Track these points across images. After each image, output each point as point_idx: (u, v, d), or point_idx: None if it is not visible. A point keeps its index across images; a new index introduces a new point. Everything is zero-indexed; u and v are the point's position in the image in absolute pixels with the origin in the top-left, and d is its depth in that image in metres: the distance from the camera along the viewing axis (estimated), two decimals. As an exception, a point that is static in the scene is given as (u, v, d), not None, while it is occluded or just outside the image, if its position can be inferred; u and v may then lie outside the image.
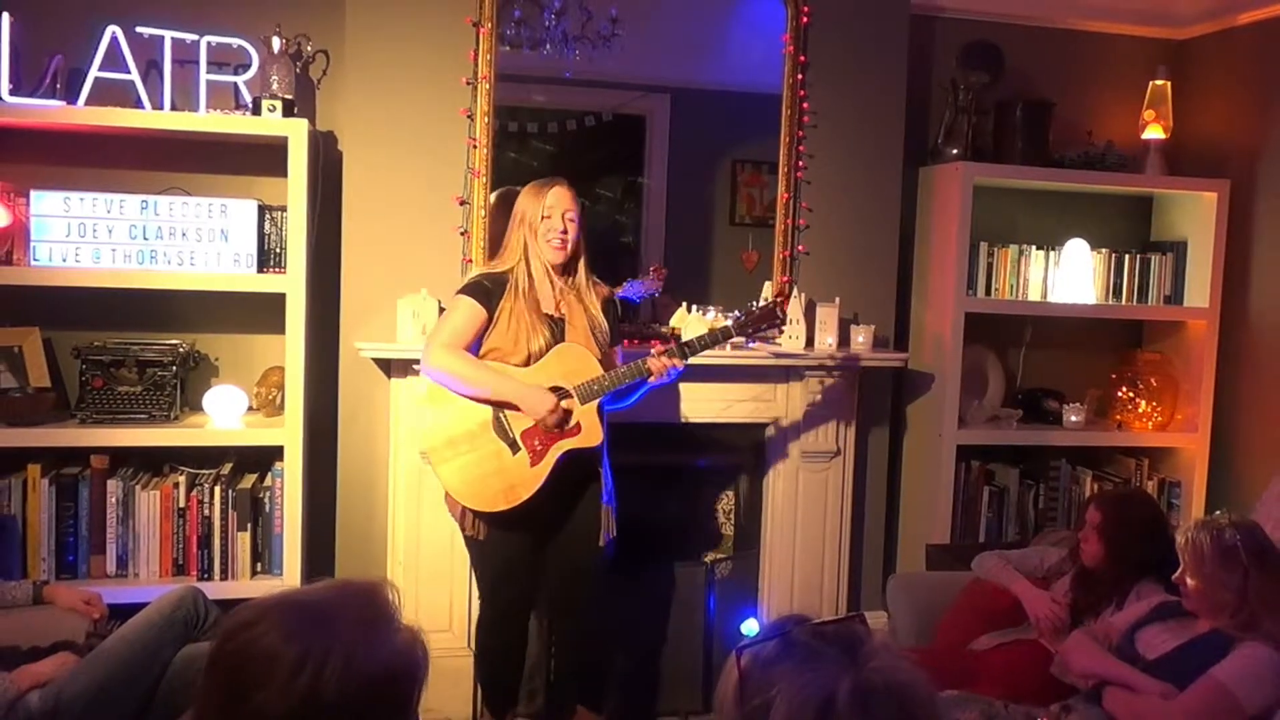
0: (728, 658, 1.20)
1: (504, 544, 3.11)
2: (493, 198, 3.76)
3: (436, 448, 3.05)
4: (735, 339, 3.31)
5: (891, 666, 1.14)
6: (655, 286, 3.75)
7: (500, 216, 3.66)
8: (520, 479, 3.01)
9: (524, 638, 3.32)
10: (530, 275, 3.07)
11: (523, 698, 3.53)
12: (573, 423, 3.03)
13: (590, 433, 3.04)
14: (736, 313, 3.42)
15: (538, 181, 3.13)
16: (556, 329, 3.07)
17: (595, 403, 3.04)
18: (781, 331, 3.58)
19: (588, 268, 3.15)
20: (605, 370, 3.07)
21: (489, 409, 3.03)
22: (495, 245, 3.46)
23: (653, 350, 3.11)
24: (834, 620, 1.21)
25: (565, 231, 3.04)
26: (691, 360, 3.14)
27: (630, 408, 3.21)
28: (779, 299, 3.29)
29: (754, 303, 3.36)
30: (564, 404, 3.00)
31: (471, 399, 3.02)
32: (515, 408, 3.00)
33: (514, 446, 3.02)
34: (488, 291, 3.05)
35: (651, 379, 3.08)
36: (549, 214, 3.05)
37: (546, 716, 3.60)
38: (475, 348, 3.05)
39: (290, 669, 1.19)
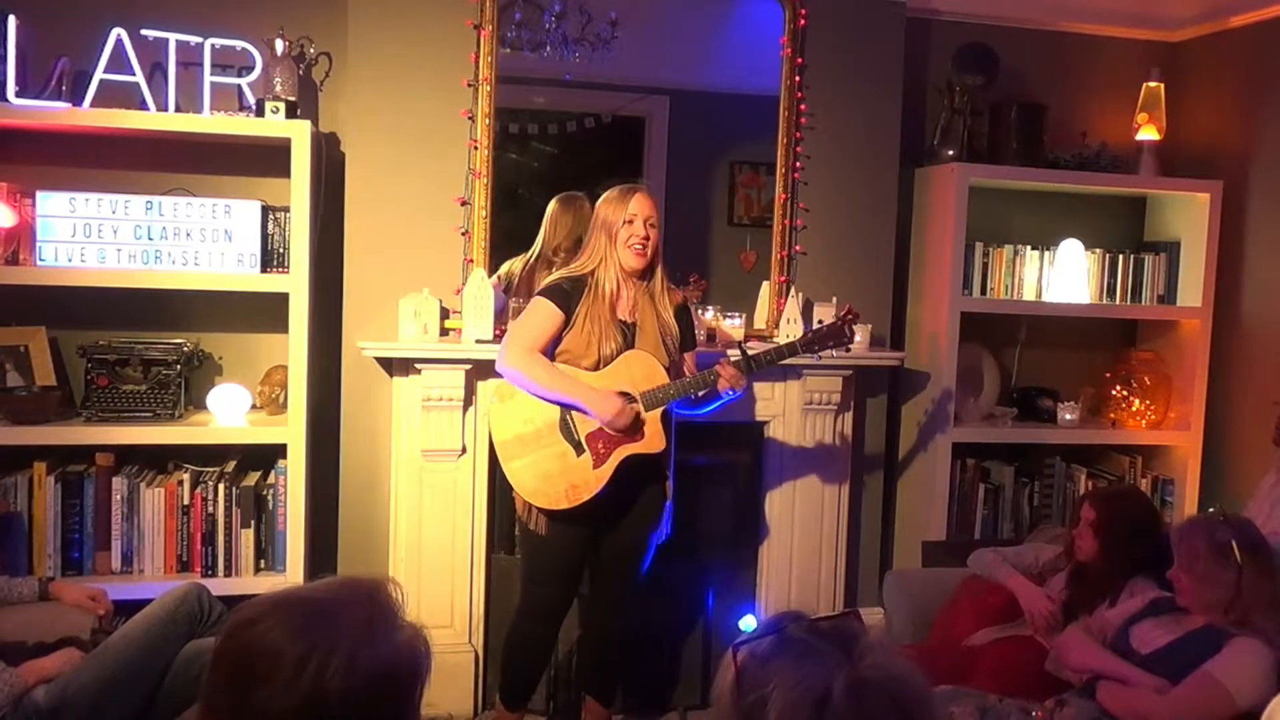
0: (725, 653, 1.20)
1: (562, 540, 3.13)
2: (554, 203, 3.81)
3: (505, 444, 3.09)
4: (801, 355, 3.27)
5: (886, 662, 1.14)
6: (694, 298, 3.76)
7: (567, 221, 3.74)
8: (583, 480, 3.04)
9: (557, 635, 3.31)
10: (609, 280, 3.07)
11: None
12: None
13: (653, 439, 3.05)
14: (807, 327, 3.43)
15: (620, 187, 3.13)
16: (629, 334, 3.08)
17: (659, 410, 3.04)
18: (848, 350, 3.42)
19: (665, 275, 3.16)
20: (672, 378, 3.08)
21: (557, 410, 3.05)
22: (565, 251, 3.60)
23: (719, 362, 3.10)
24: (829, 617, 1.20)
25: (647, 238, 3.04)
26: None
27: (705, 416, 3.21)
28: (848, 316, 3.25)
29: (821, 321, 3.35)
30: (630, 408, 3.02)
31: (544, 400, 3.04)
32: (583, 411, 3.02)
33: (579, 448, 3.04)
34: (566, 294, 3.06)
35: (725, 391, 3.07)
36: (631, 219, 3.04)
37: (555, 708, 3.62)
38: (552, 349, 3.07)
39: (294, 666, 1.18)
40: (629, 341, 3.07)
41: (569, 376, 3.03)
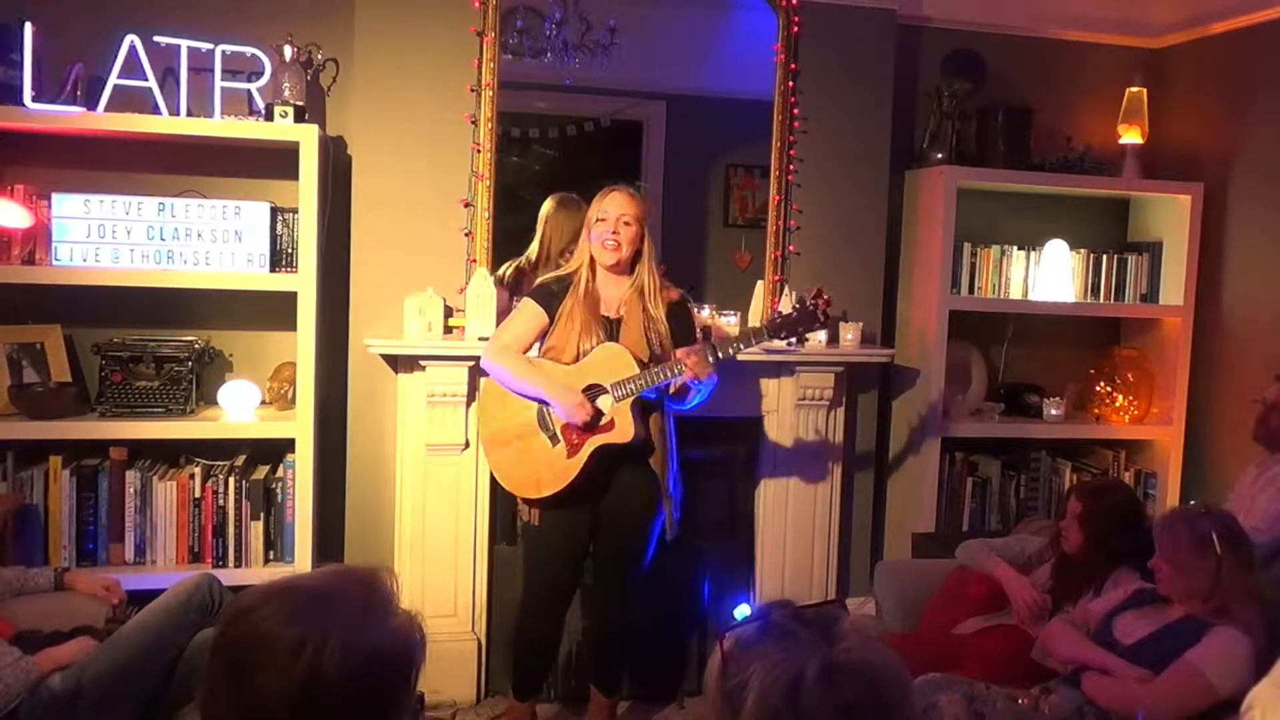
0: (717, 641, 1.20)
1: (556, 531, 3.14)
2: (552, 206, 3.81)
3: (489, 437, 3.16)
4: (767, 339, 3.12)
5: (861, 646, 1.13)
6: None
7: (568, 223, 3.72)
8: (560, 469, 3.05)
9: (561, 625, 3.31)
10: (590, 277, 3.08)
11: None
12: (606, 419, 3.02)
13: (623, 429, 3.02)
14: (777, 314, 3.21)
15: (606, 187, 3.13)
16: (612, 329, 3.07)
17: (629, 401, 2.99)
18: (820, 333, 3.25)
19: (654, 271, 3.11)
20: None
21: (535, 404, 3.07)
22: (569, 252, 3.48)
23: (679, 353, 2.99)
24: (814, 605, 1.20)
25: (616, 234, 3.03)
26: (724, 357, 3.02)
27: (694, 410, 3.12)
28: (818, 300, 3.06)
29: (784, 309, 3.13)
30: (599, 401, 3.00)
31: (518, 394, 3.07)
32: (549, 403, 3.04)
33: (554, 439, 3.06)
34: (551, 295, 3.10)
35: (687, 377, 2.95)
36: (604, 216, 3.05)
37: (564, 698, 3.63)
38: (540, 346, 3.13)
39: (291, 651, 1.18)
40: (612, 336, 3.06)
41: (538, 371, 3.05)
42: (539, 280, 3.20)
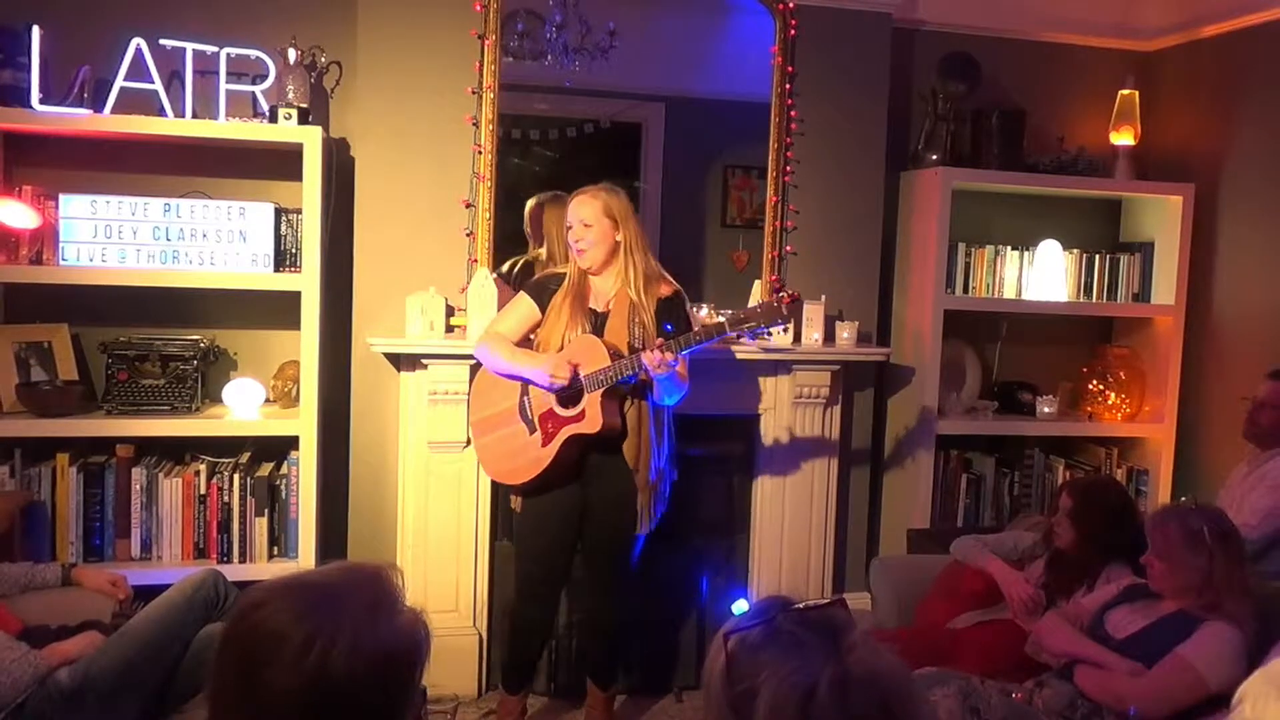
0: (716, 636, 1.18)
1: (540, 519, 3.18)
2: (532, 203, 3.82)
3: (476, 424, 3.28)
4: (729, 335, 3.02)
5: (871, 657, 1.11)
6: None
7: (554, 218, 3.69)
8: (534, 458, 3.10)
9: (553, 616, 3.33)
10: (574, 276, 3.14)
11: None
12: (578, 409, 3.03)
13: (591, 420, 3.02)
14: (726, 313, 3.21)
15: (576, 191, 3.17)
16: (599, 322, 3.09)
17: (599, 392, 2.99)
18: (786, 330, 3.29)
19: (639, 264, 3.09)
20: None
21: (518, 395, 3.13)
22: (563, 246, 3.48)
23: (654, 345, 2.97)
24: (817, 606, 1.17)
25: (580, 239, 3.08)
26: (687, 352, 2.98)
27: (677, 402, 3.12)
28: (781, 295, 3.07)
29: (760, 303, 3.08)
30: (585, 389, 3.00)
31: (504, 376, 3.14)
32: (532, 381, 3.07)
33: (531, 428, 3.11)
34: (544, 290, 3.17)
35: (652, 371, 2.92)
36: (570, 224, 3.11)
37: (557, 692, 3.62)
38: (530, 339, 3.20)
39: (299, 647, 1.18)
40: (598, 329, 3.08)
41: (519, 352, 3.13)
42: (538, 276, 3.26)
